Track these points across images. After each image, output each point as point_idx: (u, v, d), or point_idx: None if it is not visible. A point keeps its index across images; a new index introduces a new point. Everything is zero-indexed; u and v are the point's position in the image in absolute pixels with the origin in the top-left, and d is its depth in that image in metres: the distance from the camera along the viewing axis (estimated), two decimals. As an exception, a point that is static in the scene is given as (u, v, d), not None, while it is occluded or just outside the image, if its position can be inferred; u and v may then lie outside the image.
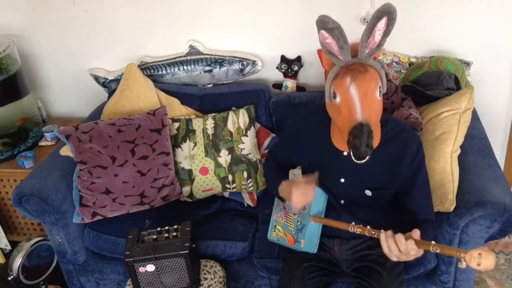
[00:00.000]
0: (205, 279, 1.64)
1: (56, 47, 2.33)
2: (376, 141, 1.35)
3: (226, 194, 1.99)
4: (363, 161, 1.23)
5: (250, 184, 1.93)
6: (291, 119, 1.57)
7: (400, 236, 1.17)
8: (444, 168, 1.56)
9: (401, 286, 1.46)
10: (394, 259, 1.21)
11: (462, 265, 1.07)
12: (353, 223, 1.30)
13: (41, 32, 2.30)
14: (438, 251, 1.12)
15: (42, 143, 2.29)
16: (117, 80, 2.24)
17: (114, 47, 2.28)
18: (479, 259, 1.03)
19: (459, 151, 1.62)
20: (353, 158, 1.23)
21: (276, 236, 1.56)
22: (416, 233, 1.18)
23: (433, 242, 1.13)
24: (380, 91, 1.24)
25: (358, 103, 1.20)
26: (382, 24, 1.19)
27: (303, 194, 1.35)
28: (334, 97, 1.25)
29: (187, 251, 1.50)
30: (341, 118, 1.25)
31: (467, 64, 1.96)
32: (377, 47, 1.23)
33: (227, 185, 1.94)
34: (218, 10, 2.10)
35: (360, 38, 1.23)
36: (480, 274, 2.09)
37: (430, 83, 1.76)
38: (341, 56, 1.25)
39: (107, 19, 2.21)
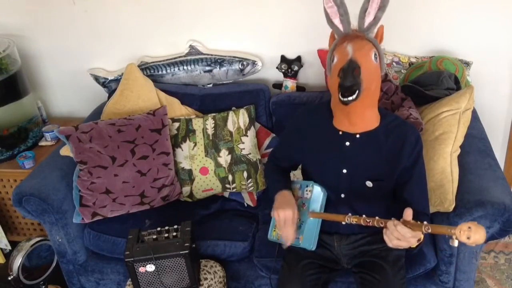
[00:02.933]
0: (205, 279, 1.64)
1: (56, 47, 2.33)
2: (369, 122, 1.39)
3: (226, 194, 1.99)
4: (350, 98, 1.25)
5: (250, 184, 1.93)
6: (291, 119, 1.58)
7: (390, 223, 1.20)
8: (444, 168, 1.56)
9: (403, 279, 1.46)
10: (400, 247, 1.22)
11: (454, 242, 1.08)
12: (349, 214, 1.32)
13: (41, 32, 2.30)
14: (430, 231, 1.14)
15: (42, 143, 2.29)
16: (117, 80, 2.24)
17: (114, 47, 2.28)
18: (469, 233, 1.04)
19: (459, 151, 1.62)
20: (340, 97, 1.27)
21: (276, 235, 1.56)
22: (408, 212, 1.20)
23: (425, 222, 1.16)
24: (375, 57, 1.30)
25: (351, 52, 1.27)
26: None
27: (284, 221, 1.39)
28: (333, 60, 1.32)
29: (187, 251, 1.50)
30: (335, 74, 1.29)
31: (467, 64, 1.96)
32: (374, 20, 1.31)
33: (227, 185, 1.94)
34: (218, 10, 2.10)
35: (359, 11, 1.32)
36: (480, 274, 2.10)
37: (430, 83, 1.76)
38: (341, 26, 1.34)
39: (107, 19, 2.21)
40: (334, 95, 1.34)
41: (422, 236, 1.23)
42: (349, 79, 1.22)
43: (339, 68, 1.26)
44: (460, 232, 1.06)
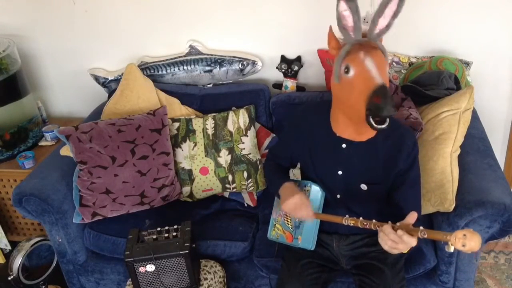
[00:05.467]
0: (205, 279, 1.64)
1: (56, 47, 2.33)
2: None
3: (226, 194, 1.99)
4: (383, 126, 1.23)
5: (250, 184, 1.93)
6: (289, 117, 1.58)
7: (387, 227, 1.19)
8: (444, 168, 1.56)
9: (403, 282, 1.46)
10: (395, 251, 1.21)
11: (450, 248, 1.08)
12: (347, 215, 1.31)
13: (41, 32, 2.30)
14: (425, 236, 1.13)
15: (42, 143, 2.29)
16: (117, 80, 2.24)
17: (114, 47, 2.28)
18: (464, 240, 1.04)
19: (459, 151, 1.62)
20: (373, 124, 1.23)
21: (276, 234, 1.56)
22: (413, 215, 1.19)
23: (421, 227, 1.15)
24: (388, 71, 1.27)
25: (376, 71, 1.22)
26: (394, 4, 1.23)
27: (295, 207, 1.39)
28: (347, 72, 1.26)
29: (187, 251, 1.50)
30: (355, 92, 1.24)
31: (467, 64, 1.96)
32: (386, 28, 1.26)
33: (227, 185, 1.94)
34: (218, 10, 2.10)
35: (372, 17, 1.26)
36: (480, 274, 2.10)
37: (430, 83, 1.76)
38: (353, 33, 1.28)
39: (107, 19, 2.21)
40: (347, 111, 1.31)
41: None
42: (390, 108, 1.17)
43: (362, 90, 1.21)
44: (455, 239, 1.05)
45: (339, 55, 1.29)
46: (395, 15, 1.24)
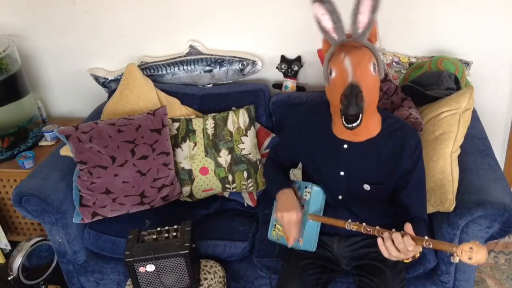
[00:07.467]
0: (205, 279, 1.64)
1: (56, 47, 2.33)
2: (373, 129, 1.37)
3: (226, 194, 1.99)
4: (354, 124, 1.24)
5: (250, 184, 1.93)
6: (291, 118, 1.58)
7: (396, 235, 1.18)
8: (444, 168, 1.56)
9: (403, 282, 1.46)
10: (394, 259, 1.21)
11: (455, 259, 1.07)
12: (349, 220, 1.30)
13: (41, 32, 2.31)
14: (431, 246, 1.12)
15: (42, 143, 2.29)
16: (117, 80, 2.24)
17: (114, 47, 2.28)
18: (470, 253, 1.03)
19: (459, 151, 1.62)
20: (344, 123, 1.25)
21: (276, 235, 1.56)
22: (409, 227, 1.18)
23: (426, 237, 1.14)
24: (374, 68, 1.26)
25: (351, 70, 1.23)
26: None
27: (288, 225, 1.41)
28: (330, 73, 1.28)
29: (187, 251, 1.50)
30: (336, 92, 1.26)
31: (467, 64, 1.96)
32: (368, 24, 1.25)
33: (227, 185, 1.94)
34: (218, 10, 2.10)
35: (351, 16, 1.26)
36: (480, 274, 2.10)
37: (430, 83, 1.76)
38: (335, 34, 1.28)
39: (107, 19, 2.21)
40: (335, 111, 1.32)
41: (418, 253, 1.22)
42: (353, 108, 1.19)
43: (339, 90, 1.23)
44: (461, 252, 1.04)
45: (325, 58, 1.30)
46: (373, 9, 1.23)
